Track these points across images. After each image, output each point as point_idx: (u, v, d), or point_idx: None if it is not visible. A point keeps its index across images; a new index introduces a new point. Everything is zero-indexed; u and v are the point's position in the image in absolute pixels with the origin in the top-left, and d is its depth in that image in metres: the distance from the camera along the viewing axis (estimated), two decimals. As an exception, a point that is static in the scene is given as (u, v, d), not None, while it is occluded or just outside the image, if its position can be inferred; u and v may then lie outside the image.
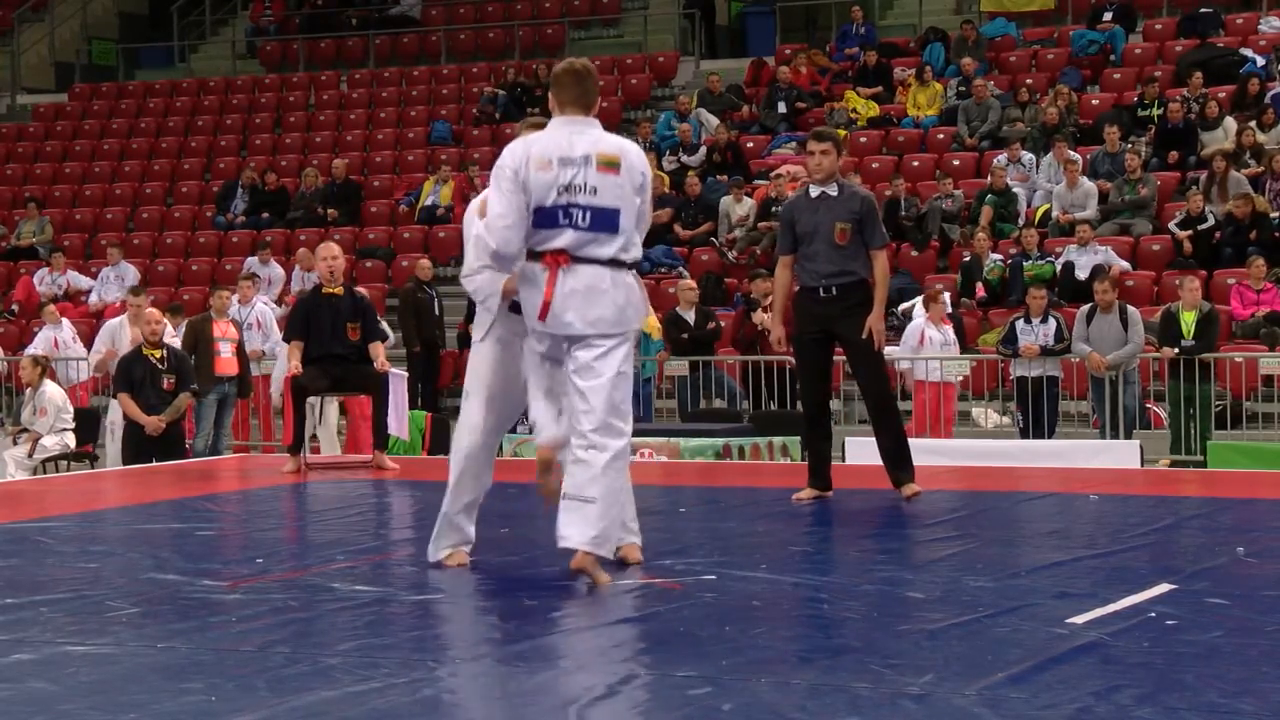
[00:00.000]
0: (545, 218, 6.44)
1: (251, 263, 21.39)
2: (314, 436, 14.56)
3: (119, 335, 15.07)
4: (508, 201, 6.44)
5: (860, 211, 9.05)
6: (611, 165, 6.49)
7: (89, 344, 19.62)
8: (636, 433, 14.18)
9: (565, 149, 6.47)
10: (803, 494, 9.26)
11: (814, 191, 9.18)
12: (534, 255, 6.49)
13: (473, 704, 4.82)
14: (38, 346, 18.88)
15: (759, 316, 16.71)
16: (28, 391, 15.83)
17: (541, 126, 6.75)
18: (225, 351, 14.88)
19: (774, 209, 20.11)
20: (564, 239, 6.43)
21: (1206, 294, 16.82)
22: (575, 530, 6.38)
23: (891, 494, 9.16)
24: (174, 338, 14.69)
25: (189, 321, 15.32)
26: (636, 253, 6.59)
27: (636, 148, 6.69)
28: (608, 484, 6.37)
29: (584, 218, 6.43)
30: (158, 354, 13.48)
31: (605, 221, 6.45)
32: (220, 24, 31.47)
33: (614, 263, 6.48)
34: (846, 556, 7.40)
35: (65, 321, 19.25)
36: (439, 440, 14.72)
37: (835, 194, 9.10)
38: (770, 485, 10.87)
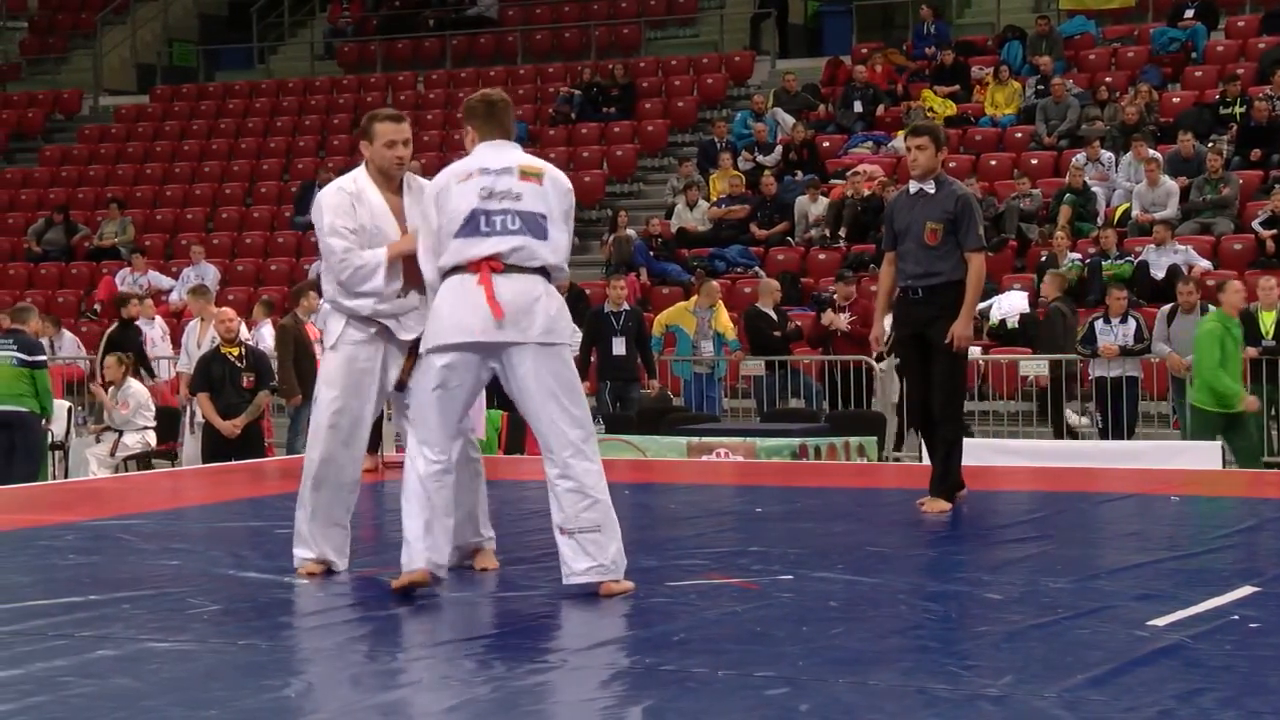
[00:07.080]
0: (469, 225, 6.28)
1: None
2: (397, 435, 14.56)
3: (189, 340, 15.20)
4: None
5: (954, 211, 8.65)
6: (534, 175, 6.41)
7: (175, 343, 19.78)
8: (711, 432, 14.36)
9: (487, 162, 6.39)
10: (926, 500, 8.90)
11: (913, 188, 8.89)
12: (457, 268, 6.30)
13: (548, 703, 4.83)
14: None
15: (828, 316, 16.67)
16: (111, 389, 15.96)
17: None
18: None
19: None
20: (492, 244, 6.26)
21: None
22: (586, 562, 6.23)
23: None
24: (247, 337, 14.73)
25: (282, 326, 15.16)
26: (565, 267, 6.44)
27: (560, 171, 6.64)
28: (606, 502, 6.26)
29: (512, 222, 6.27)
30: (235, 352, 13.34)
31: (534, 226, 6.30)
32: (299, 25, 31.69)
33: (543, 272, 6.32)
34: (925, 558, 7.37)
35: (158, 319, 19.40)
36: (515, 439, 14.76)
37: (932, 191, 8.75)
38: (847, 486, 10.83)
